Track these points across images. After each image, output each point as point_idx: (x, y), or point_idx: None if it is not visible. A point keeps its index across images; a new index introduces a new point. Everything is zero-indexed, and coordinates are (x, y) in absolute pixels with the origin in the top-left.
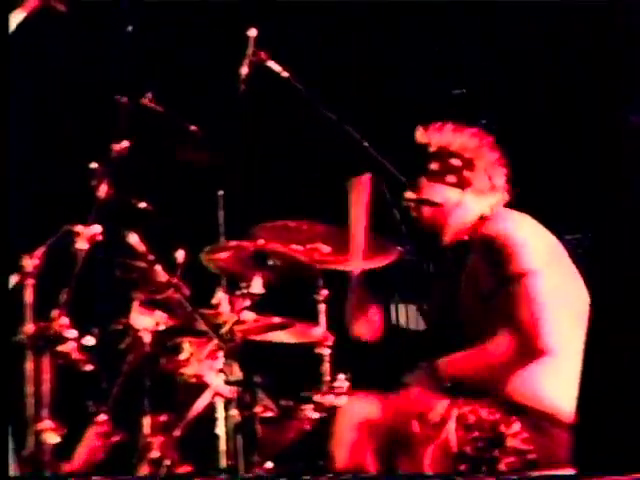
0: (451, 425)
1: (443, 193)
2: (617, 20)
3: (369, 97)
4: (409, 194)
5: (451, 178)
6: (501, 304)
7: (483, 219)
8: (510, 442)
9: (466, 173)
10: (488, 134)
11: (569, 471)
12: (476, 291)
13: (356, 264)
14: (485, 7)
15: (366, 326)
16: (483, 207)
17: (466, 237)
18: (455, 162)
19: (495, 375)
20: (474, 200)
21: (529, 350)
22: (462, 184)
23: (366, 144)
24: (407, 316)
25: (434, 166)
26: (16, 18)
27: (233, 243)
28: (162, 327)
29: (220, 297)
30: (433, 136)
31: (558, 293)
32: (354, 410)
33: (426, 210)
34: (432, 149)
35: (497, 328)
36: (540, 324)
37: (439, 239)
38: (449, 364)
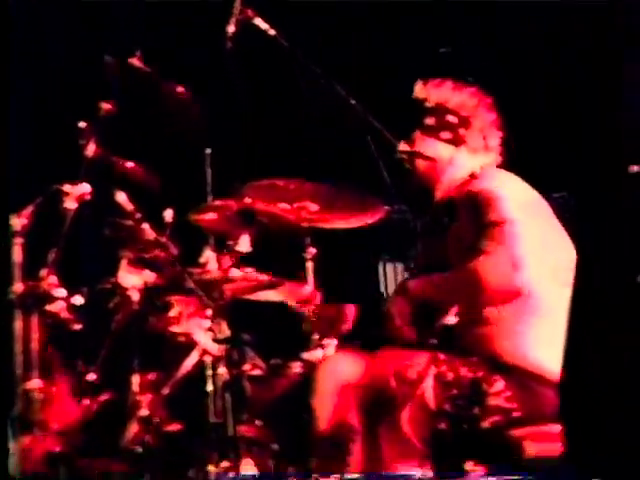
0: (428, 382)
1: (437, 149)
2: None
3: (357, 56)
4: (403, 146)
5: (446, 134)
6: (478, 246)
7: (472, 177)
8: (493, 400)
9: (461, 131)
10: (486, 95)
11: (555, 428)
12: (461, 246)
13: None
14: None
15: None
16: (475, 166)
17: (454, 194)
18: (451, 119)
19: (458, 300)
20: (467, 158)
21: (503, 284)
22: (456, 141)
23: (353, 101)
24: (395, 274)
25: (430, 121)
26: None
27: (220, 202)
28: (150, 286)
29: (208, 256)
30: (432, 91)
31: (540, 249)
32: (335, 368)
33: (419, 164)
34: (430, 104)
35: (475, 260)
36: (515, 262)
37: (430, 195)
38: (418, 283)
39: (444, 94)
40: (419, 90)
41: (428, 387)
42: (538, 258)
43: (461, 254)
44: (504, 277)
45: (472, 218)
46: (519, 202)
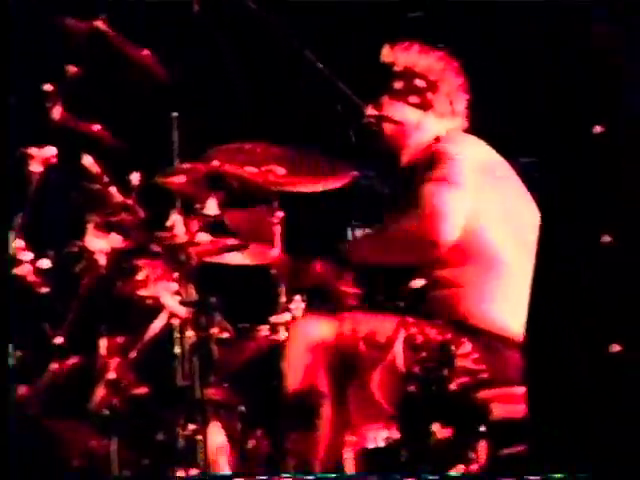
0: (398, 346)
1: (405, 113)
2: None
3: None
4: (370, 110)
5: (414, 99)
6: (414, 196)
7: (437, 140)
8: (461, 362)
9: (429, 95)
10: (454, 59)
11: (520, 390)
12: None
13: (310, 186)
14: None
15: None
16: (441, 130)
17: (419, 157)
18: (419, 83)
19: (391, 256)
20: (434, 122)
21: (423, 237)
22: (424, 106)
23: (321, 65)
24: None
25: (398, 85)
26: None
27: (187, 165)
28: (117, 249)
29: (175, 219)
30: (400, 55)
31: (499, 213)
32: (305, 332)
33: (386, 128)
34: (397, 68)
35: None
36: (441, 217)
37: (397, 159)
38: (353, 244)
39: (412, 58)
40: (387, 54)
41: (398, 350)
42: (499, 221)
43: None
44: (426, 232)
45: (425, 173)
46: (476, 165)
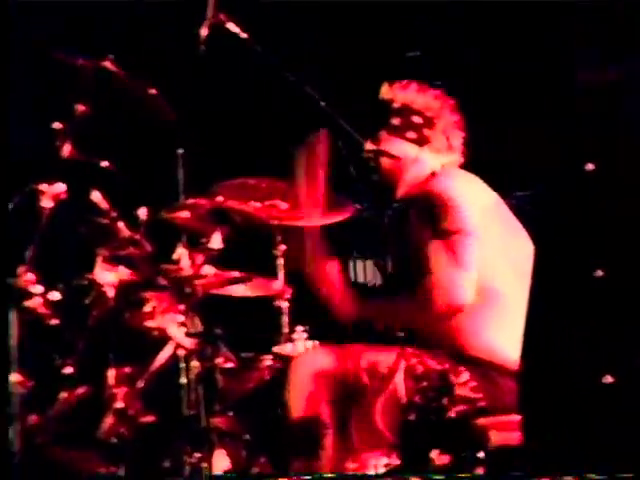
0: (399, 376)
1: (402, 148)
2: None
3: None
4: (369, 145)
5: (411, 134)
6: (429, 257)
7: (433, 175)
8: (459, 391)
9: (426, 131)
10: (450, 97)
11: (515, 418)
12: (417, 244)
13: (312, 220)
14: None
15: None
16: (437, 165)
17: (415, 192)
18: (416, 119)
19: (418, 325)
20: (430, 158)
21: (445, 305)
22: (421, 141)
23: (323, 103)
24: (365, 272)
25: (396, 121)
26: None
27: (192, 201)
28: (125, 282)
29: (180, 252)
30: (398, 93)
31: (499, 250)
32: (308, 362)
33: (384, 162)
34: (395, 105)
35: (423, 280)
36: (460, 279)
37: (393, 192)
38: (367, 306)
39: (410, 96)
40: (385, 91)
41: (399, 380)
42: (497, 257)
43: (418, 255)
44: (448, 298)
45: (424, 218)
46: (476, 208)
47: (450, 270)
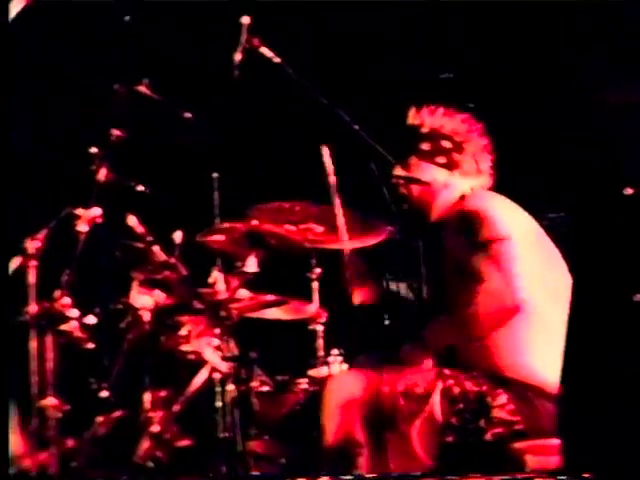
0: (436, 398)
1: (432, 173)
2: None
3: (358, 81)
4: (398, 171)
5: (441, 159)
6: (474, 269)
7: (463, 198)
8: (497, 413)
9: (455, 155)
10: (478, 121)
11: (554, 441)
12: (456, 266)
13: (347, 243)
14: None
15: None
16: (466, 188)
17: (446, 215)
18: (446, 144)
19: (475, 336)
20: (460, 181)
21: (502, 307)
22: (450, 165)
23: (356, 127)
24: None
25: (425, 146)
26: (14, 8)
27: (227, 225)
28: (161, 306)
29: (216, 276)
30: (426, 118)
31: (535, 267)
32: (342, 386)
33: (414, 188)
34: (424, 130)
35: (472, 292)
36: (511, 281)
37: (425, 217)
38: (431, 333)
39: (438, 120)
40: (413, 117)
41: (436, 402)
42: (534, 275)
43: (457, 275)
44: (502, 301)
45: (463, 235)
46: (510, 221)
47: (500, 275)
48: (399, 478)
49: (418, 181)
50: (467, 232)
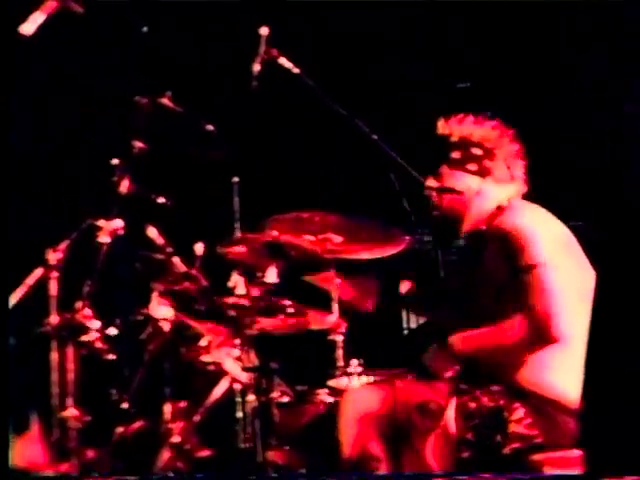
0: (450, 413)
1: (464, 181)
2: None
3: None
4: (431, 182)
5: (472, 166)
6: (514, 294)
7: (500, 209)
8: (514, 428)
9: (486, 162)
10: (508, 127)
11: (573, 453)
12: (491, 282)
13: (366, 253)
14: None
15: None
16: (501, 197)
17: (483, 227)
18: (476, 151)
19: (504, 356)
20: (493, 189)
21: (541, 337)
22: (482, 172)
23: (375, 137)
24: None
25: (456, 155)
26: (36, 20)
27: (247, 236)
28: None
29: (236, 280)
30: (454, 127)
31: (568, 282)
32: (357, 401)
33: (447, 198)
34: (454, 139)
35: (510, 315)
36: (553, 313)
37: (458, 228)
38: (462, 340)
39: (467, 128)
40: (442, 127)
41: (451, 417)
42: (568, 295)
43: (491, 290)
44: (543, 333)
45: (503, 256)
46: (549, 242)
47: (542, 305)
48: (409, 478)
49: (451, 190)
50: (507, 255)
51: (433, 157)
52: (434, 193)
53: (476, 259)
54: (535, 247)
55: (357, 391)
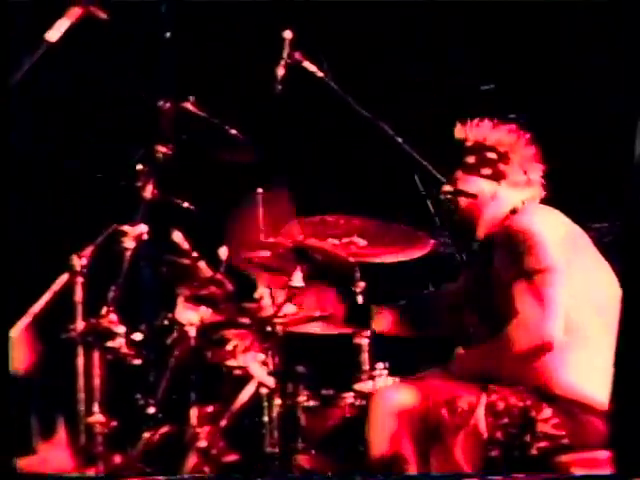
0: (480, 412)
1: (478, 185)
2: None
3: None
4: (446, 187)
5: (486, 170)
6: (514, 296)
7: (513, 212)
8: (541, 427)
9: (501, 166)
10: (525, 131)
11: (601, 454)
12: (500, 283)
13: (391, 256)
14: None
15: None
16: (517, 201)
17: (496, 230)
18: (490, 155)
19: (505, 369)
20: (509, 193)
21: (533, 344)
22: (497, 176)
23: (400, 140)
24: None
25: (470, 159)
26: (61, 26)
27: (271, 240)
28: (207, 321)
29: (262, 291)
30: (470, 132)
31: (582, 286)
32: (387, 399)
33: (462, 202)
34: (468, 143)
35: (508, 321)
36: (547, 316)
37: (474, 231)
38: (463, 360)
39: (482, 132)
40: (458, 131)
41: (480, 416)
42: (582, 294)
43: (501, 292)
44: (534, 337)
45: (509, 256)
46: (559, 247)
47: (538, 310)
48: (439, 478)
49: (465, 194)
50: (514, 256)
51: (448, 162)
52: (450, 197)
53: (487, 262)
54: (542, 250)
55: (388, 389)
